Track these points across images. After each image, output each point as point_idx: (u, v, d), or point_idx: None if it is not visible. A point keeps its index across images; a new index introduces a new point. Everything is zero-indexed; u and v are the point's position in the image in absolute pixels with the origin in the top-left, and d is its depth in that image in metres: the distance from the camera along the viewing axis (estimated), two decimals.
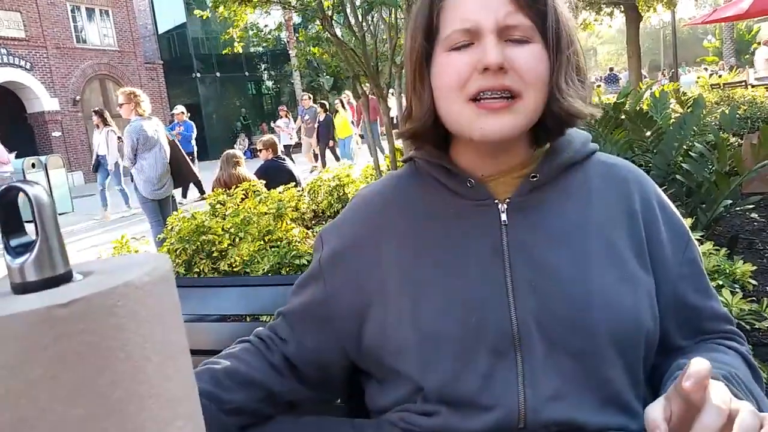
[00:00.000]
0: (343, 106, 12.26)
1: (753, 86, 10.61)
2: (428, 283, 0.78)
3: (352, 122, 12.49)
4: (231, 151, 5.33)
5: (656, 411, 0.61)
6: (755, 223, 4.24)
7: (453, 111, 0.77)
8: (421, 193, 0.86)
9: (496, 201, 0.81)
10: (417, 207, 0.85)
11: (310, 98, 12.87)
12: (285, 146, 11.95)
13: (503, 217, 0.80)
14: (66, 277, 0.33)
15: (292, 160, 8.91)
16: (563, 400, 0.73)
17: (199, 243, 3.14)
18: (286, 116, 13.86)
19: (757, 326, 2.07)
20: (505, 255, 0.78)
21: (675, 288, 0.81)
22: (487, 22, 0.73)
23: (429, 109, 0.80)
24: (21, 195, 0.33)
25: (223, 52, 10.46)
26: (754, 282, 2.30)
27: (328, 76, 24.51)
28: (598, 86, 10.41)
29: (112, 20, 21.08)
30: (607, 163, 0.87)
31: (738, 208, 3.29)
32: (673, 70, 15.42)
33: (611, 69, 20.72)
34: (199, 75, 26.80)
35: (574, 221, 0.80)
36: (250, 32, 6.40)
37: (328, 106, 12.76)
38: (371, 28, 4.81)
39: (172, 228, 3.37)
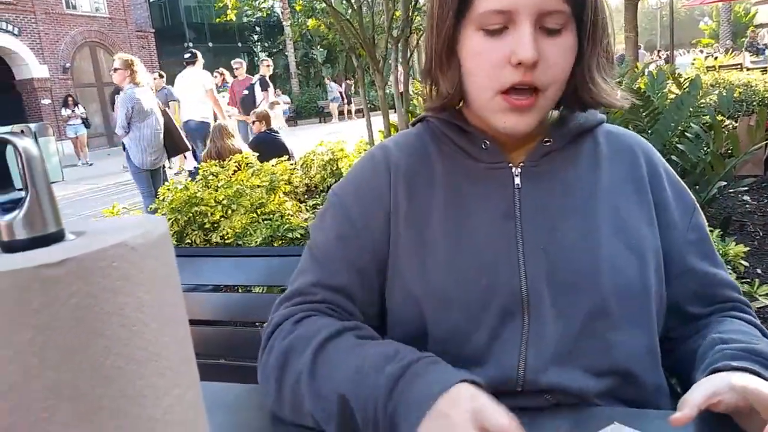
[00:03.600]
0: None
1: (749, 69, 10.59)
2: (438, 243, 0.78)
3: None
4: (222, 122, 5.26)
5: (695, 395, 0.62)
6: (747, 206, 4.26)
7: (481, 98, 0.77)
8: (433, 152, 0.84)
9: (510, 165, 0.80)
10: (429, 165, 0.83)
11: (162, 76, 8.45)
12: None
13: (516, 180, 0.79)
14: (58, 236, 0.31)
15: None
16: (566, 364, 0.74)
17: (191, 214, 3.10)
18: None
19: None
20: (517, 218, 0.78)
21: (683, 254, 0.82)
22: (526, 6, 0.69)
23: (457, 86, 0.79)
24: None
25: (217, 20, 10.01)
26: (745, 263, 2.32)
27: (321, 49, 24.21)
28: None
29: None
30: (615, 132, 0.87)
31: (731, 190, 3.30)
32: (668, 52, 15.35)
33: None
34: (191, 44, 26.38)
35: (585, 187, 0.80)
36: (243, 1, 6.29)
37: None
38: None
39: (163, 198, 3.33)
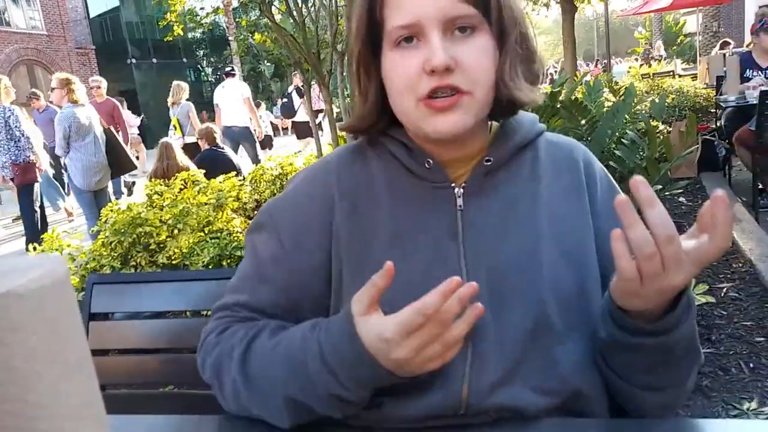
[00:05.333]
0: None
1: (680, 76, 11.13)
2: (383, 263, 0.74)
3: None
4: (167, 139, 5.14)
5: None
6: (683, 207, 4.46)
7: (406, 110, 0.76)
8: (376, 167, 0.84)
9: (453, 185, 0.80)
10: (372, 181, 0.83)
11: (38, 96, 7.43)
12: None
13: (459, 201, 0.79)
14: None
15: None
16: (511, 383, 0.73)
17: (135, 235, 3.01)
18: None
19: None
20: (460, 239, 0.77)
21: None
22: (429, 17, 0.71)
23: (373, 105, 0.80)
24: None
25: (165, 39, 9.99)
26: None
27: (269, 63, 24.06)
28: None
29: (39, 2, 19.96)
30: (555, 142, 0.88)
31: (667, 193, 3.44)
32: (605, 61, 15.96)
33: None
34: (134, 61, 25.82)
35: (526, 201, 0.80)
36: (186, 17, 6.22)
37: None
38: (311, 14, 4.73)
39: (106, 220, 3.22)
